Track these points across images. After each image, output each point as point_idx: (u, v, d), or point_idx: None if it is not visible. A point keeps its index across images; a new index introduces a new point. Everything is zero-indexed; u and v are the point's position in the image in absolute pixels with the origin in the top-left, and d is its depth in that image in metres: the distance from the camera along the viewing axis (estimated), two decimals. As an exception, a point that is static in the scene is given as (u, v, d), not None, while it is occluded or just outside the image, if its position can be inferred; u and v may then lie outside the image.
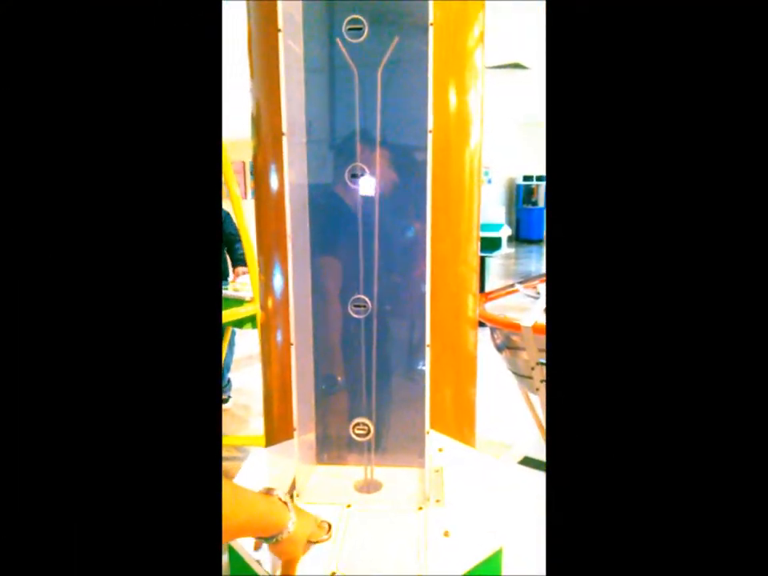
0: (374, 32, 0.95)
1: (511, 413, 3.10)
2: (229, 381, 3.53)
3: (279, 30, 0.90)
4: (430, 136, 0.92)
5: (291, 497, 1.01)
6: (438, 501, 1.03)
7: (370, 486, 1.09)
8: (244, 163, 8.32)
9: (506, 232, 5.99)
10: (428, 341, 0.99)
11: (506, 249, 6.09)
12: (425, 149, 0.92)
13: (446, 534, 0.93)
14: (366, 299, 1.05)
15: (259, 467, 1.19)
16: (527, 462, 2.65)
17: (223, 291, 2.84)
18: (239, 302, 2.66)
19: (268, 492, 0.78)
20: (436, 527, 0.95)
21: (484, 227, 5.04)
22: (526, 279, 3.09)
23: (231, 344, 3.41)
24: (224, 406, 3.48)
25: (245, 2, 1.41)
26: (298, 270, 1.02)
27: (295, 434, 1.04)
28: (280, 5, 0.90)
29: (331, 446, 1.15)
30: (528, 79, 6.12)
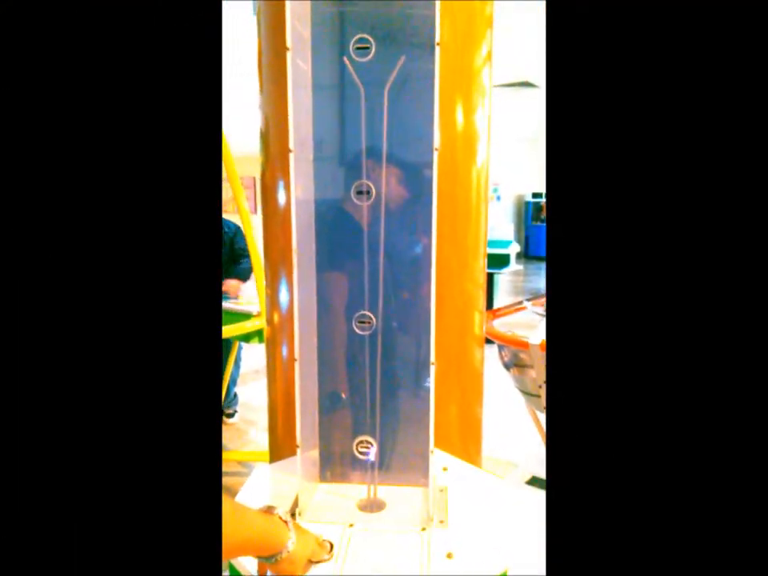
0: (381, 51, 0.96)
1: (518, 431, 3.06)
2: (235, 395, 3.52)
3: (287, 49, 0.91)
4: (436, 154, 0.93)
5: (293, 515, 1.00)
6: (441, 522, 1.01)
7: (373, 505, 1.07)
8: (255, 179, 8.39)
9: (514, 249, 5.98)
10: (432, 358, 0.98)
11: (514, 265, 6.08)
12: (431, 166, 0.93)
13: (450, 555, 0.92)
14: (371, 315, 1.05)
15: (262, 484, 1.18)
16: (534, 481, 2.61)
17: (230, 305, 2.84)
18: (246, 316, 2.66)
19: (268, 510, 0.77)
20: (439, 549, 0.93)
21: (492, 244, 5.03)
22: (534, 296, 3.08)
23: (238, 358, 3.41)
24: (230, 421, 3.47)
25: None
26: (303, 286, 1.02)
27: (298, 451, 1.03)
28: (288, 23, 0.91)
29: (334, 464, 1.14)
30: (538, 97, 6.16)
